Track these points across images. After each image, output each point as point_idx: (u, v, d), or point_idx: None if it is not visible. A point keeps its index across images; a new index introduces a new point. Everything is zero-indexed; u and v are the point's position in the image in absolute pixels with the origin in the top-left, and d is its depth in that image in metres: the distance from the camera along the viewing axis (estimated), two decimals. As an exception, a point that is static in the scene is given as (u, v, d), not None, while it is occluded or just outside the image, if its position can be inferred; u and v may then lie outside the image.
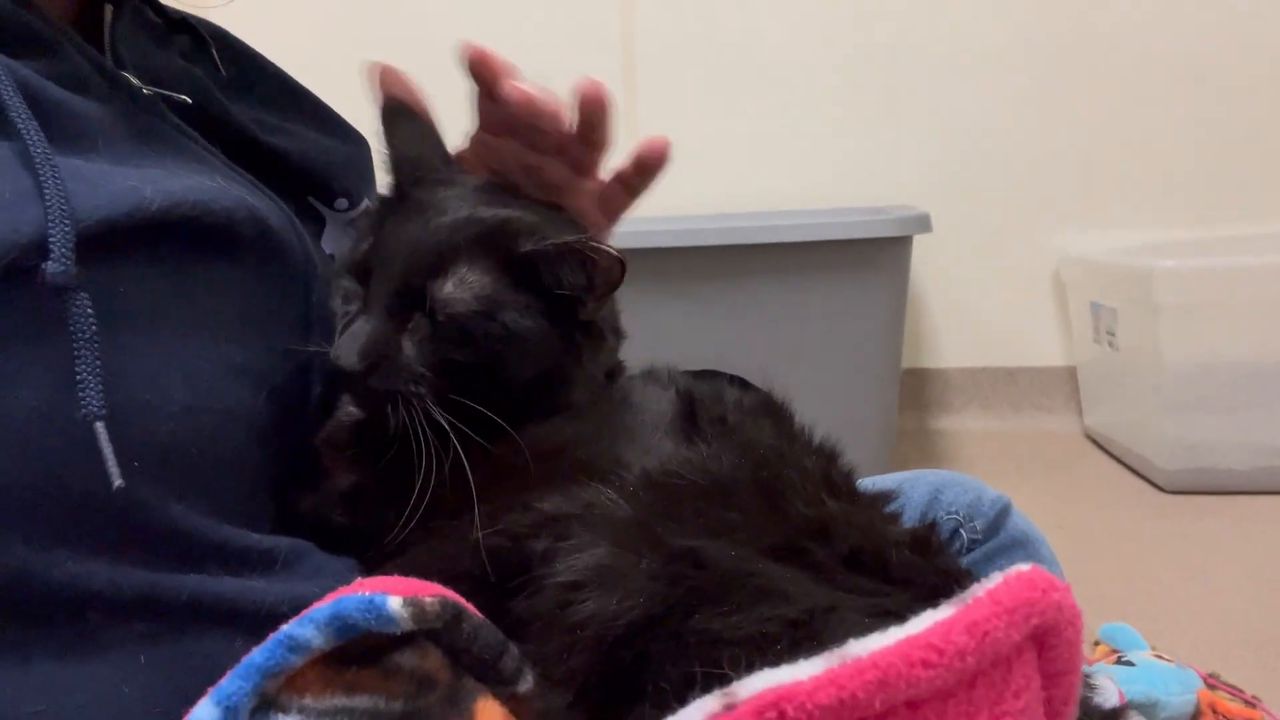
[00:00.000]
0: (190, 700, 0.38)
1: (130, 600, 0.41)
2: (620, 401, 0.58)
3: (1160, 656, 1.09)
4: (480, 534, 0.46)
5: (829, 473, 0.50)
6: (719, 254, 1.75)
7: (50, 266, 0.38)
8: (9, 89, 0.41)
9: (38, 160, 0.40)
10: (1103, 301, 2.01)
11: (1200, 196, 2.16)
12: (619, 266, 0.55)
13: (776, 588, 0.38)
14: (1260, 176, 2.12)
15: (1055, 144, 2.19)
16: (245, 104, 0.61)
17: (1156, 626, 1.27)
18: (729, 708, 0.24)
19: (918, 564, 0.42)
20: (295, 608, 0.40)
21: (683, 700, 0.28)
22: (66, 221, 0.39)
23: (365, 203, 0.67)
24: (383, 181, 0.61)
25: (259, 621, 0.45)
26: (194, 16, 0.65)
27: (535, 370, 0.56)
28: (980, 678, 0.25)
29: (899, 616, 0.36)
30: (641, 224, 2.17)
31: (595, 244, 0.53)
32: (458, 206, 0.56)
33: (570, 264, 0.54)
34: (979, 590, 0.25)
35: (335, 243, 0.66)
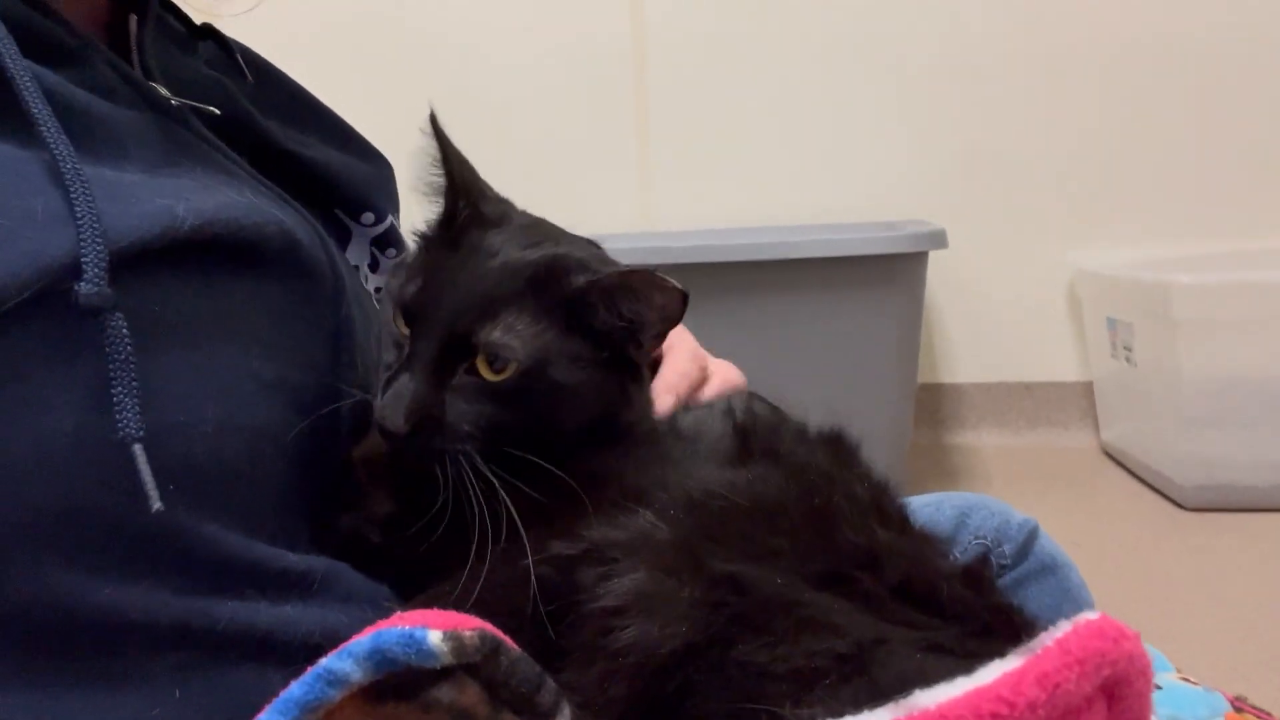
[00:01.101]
0: (227, 732, 0.37)
1: (166, 630, 0.41)
2: (669, 431, 0.58)
3: (1186, 679, 1.08)
4: (530, 560, 0.46)
5: (881, 502, 0.50)
6: (735, 270, 1.75)
7: (84, 288, 0.38)
8: (37, 100, 0.40)
9: (68, 176, 0.39)
10: (1119, 317, 2.00)
11: (1213, 211, 2.14)
12: (681, 300, 0.53)
13: (824, 619, 0.37)
14: (1274, 191, 2.11)
15: (1069, 159, 2.19)
16: (268, 117, 0.61)
17: (1178, 646, 1.25)
18: (791, 761, 0.24)
19: (969, 599, 0.41)
20: (329, 638, 0.40)
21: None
22: (99, 242, 0.39)
23: (390, 220, 0.67)
24: (429, 210, 0.58)
25: (292, 652, 0.45)
26: (219, 32, 0.65)
27: (585, 419, 0.54)
28: (1051, 730, 0.24)
29: (950, 653, 0.35)
30: (655, 239, 2.17)
31: (656, 275, 0.52)
32: (506, 249, 0.54)
33: (628, 298, 0.52)
34: (1048, 639, 0.25)
35: (359, 256, 0.65)
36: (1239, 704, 1.08)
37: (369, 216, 0.65)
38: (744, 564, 0.42)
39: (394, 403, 0.50)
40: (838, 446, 0.56)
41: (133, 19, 0.56)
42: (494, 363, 0.51)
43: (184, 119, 0.52)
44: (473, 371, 0.51)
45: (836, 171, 2.25)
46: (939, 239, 1.79)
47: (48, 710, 0.37)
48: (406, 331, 0.53)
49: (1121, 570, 1.55)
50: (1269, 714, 1.09)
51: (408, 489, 0.53)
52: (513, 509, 0.48)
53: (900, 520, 0.50)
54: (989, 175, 2.22)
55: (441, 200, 0.57)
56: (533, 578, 0.45)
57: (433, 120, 0.55)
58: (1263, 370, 1.76)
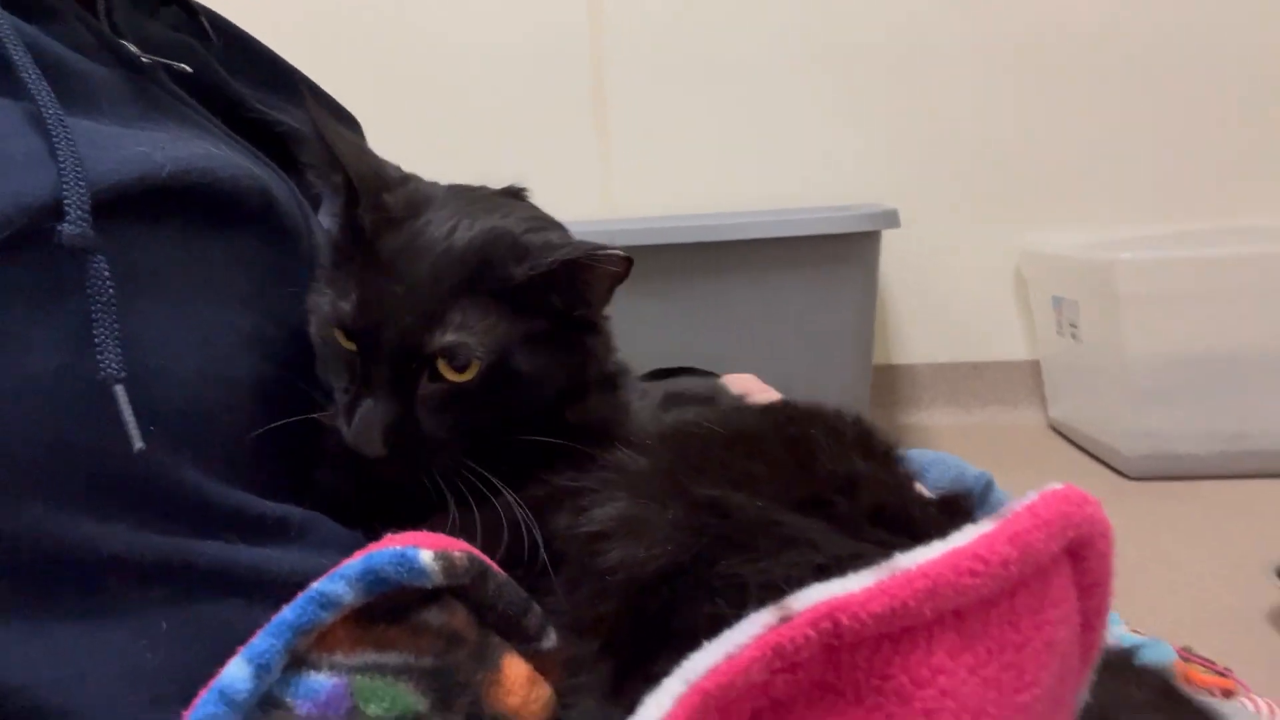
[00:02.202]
0: (211, 666, 0.38)
1: (150, 565, 0.41)
2: (626, 372, 0.59)
3: (1135, 631, 1.12)
4: (513, 500, 0.47)
5: (867, 439, 0.51)
6: (692, 251, 1.77)
7: (66, 229, 0.38)
8: (19, 49, 0.40)
9: (50, 121, 0.39)
10: (1064, 295, 2.05)
11: (1156, 194, 2.21)
12: (625, 265, 0.52)
13: (802, 536, 0.39)
14: (1215, 174, 2.19)
15: (1015, 145, 2.24)
16: (238, 80, 0.61)
17: (1126, 604, 1.30)
18: (784, 620, 0.25)
19: (944, 523, 0.43)
20: (310, 577, 0.40)
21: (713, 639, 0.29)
22: (81, 183, 0.39)
23: None
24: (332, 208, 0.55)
25: (274, 591, 0.45)
26: None
27: (554, 391, 0.54)
28: (1021, 588, 0.26)
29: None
30: (615, 224, 2.19)
31: (597, 253, 0.51)
32: (434, 240, 0.51)
33: (571, 281, 0.52)
34: (1018, 506, 0.27)
35: (330, 218, 0.66)
36: (1185, 654, 1.12)
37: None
38: (724, 488, 0.43)
39: (365, 429, 0.49)
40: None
41: None
42: (454, 363, 0.50)
43: (156, 77, 0.52)
44: (436, 378, 0.50)
45: (792, 157, 2.28)
46: (891, 219, 1.82)
47: (40, 640, 0.37)
48: (353, 347, 0.50)
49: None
50: (1213, 662, 1.13)
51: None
52: (504, 489, 0.49)
53: (885, 455, 0.51)
54: (938, 161, 2.26)
55: (343, 200, 0.53)
56: (522, 513, 0.46)
57: (313, 120, 0.51)
58: (1204, 344, 1.82)
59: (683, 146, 2.30)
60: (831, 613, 0.25)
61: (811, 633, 0.25)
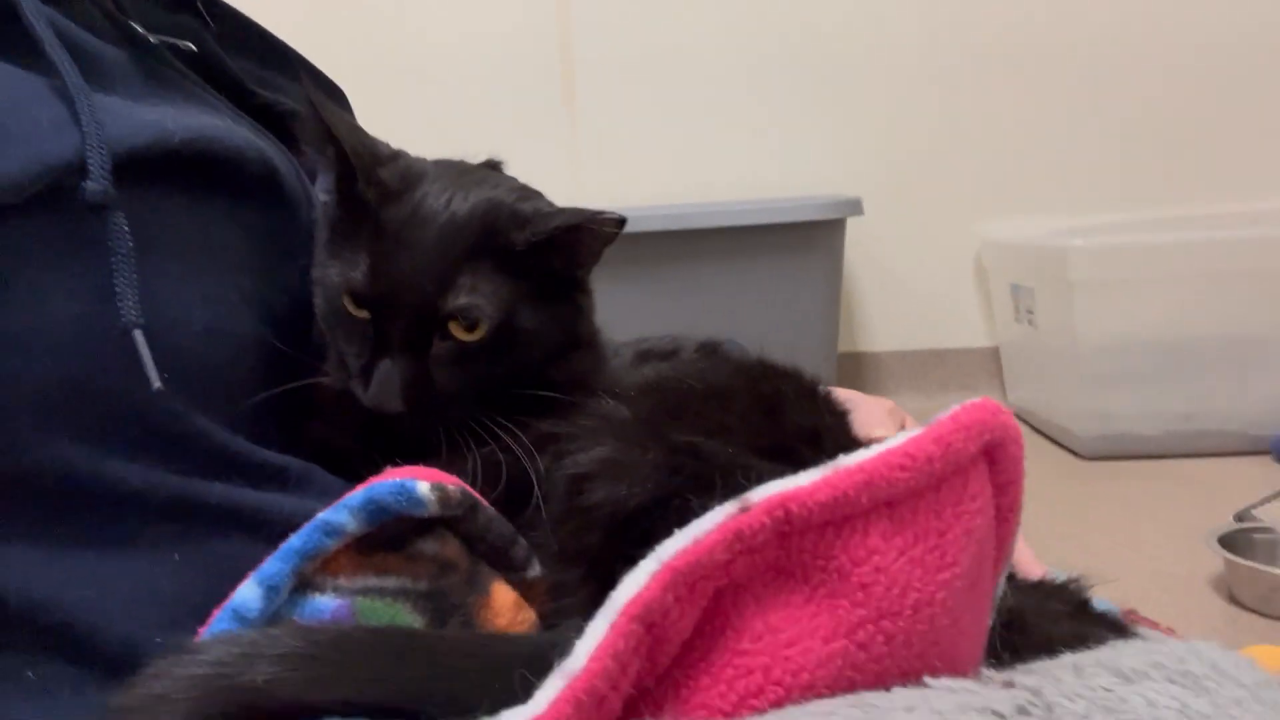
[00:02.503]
0: (219, 596, 0.41)
1: (164, 501, 0.44)
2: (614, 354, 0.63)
3: (1083, 595, 1.18)
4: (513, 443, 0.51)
5: (827, 398, 0.56)
6: (660, 239, 1.81)
7: (90, 185, 0.41)
8: (45, 27, 0.44)
9: (73, 90, 0.43)
10: (1022, 282, 2.12)
11: (1111, 184, 2.29)
12: (617, 225, 0.56)
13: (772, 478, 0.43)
14: (1165, 164, 2.27)
15: (975, 135, 2.31)
16: (236, 59, 0.64)
17: (1082, 574, 1.37)
18: (744, 509, 0.29)
19: None
20: (309, 519, 0.44)
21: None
22: (102, 146, 0.42)
23: None
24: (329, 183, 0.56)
25: (275, 531, 0.48)
26: None
27: (551, 348, 0.58)
28: (944, 482, 0.30)
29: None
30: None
31: (595, 218, 0.54)
32: (437, 209, 0.54)
33: (570, 244, 0.55)
34: (942, 415, 0.31)
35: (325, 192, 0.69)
36: (1131, 616, 1.18)
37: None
38: (700, 436, 0.47)
39: (385, 387, 0.52)
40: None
41: None
42: (466, 323, 0.53)
43: (163, 56, 0.55)
44: (448, 337, 0.53)
45: (758, 148, 2.33)
46: (855, 206, 1.88)
47: (68, 562, 0.41)
48: (365, 315, 0.53)
49: (1030, 514, 1.62)
50: (1157, 623, 1.19)
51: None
52: (504, 435, 0.53)
53: (842, 413, 0.56)
54: (901, 152, 2.32)
55: (338, 175, 0.56)
56: (524, 453, 0.50)
57: (308, 98, 0.54)
58: (1153, 328, 1.89)
59: (651, 137, 2.34)
60: (784, 502, 0.29)
61: (766, 519, 0.29)
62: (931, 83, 2.29)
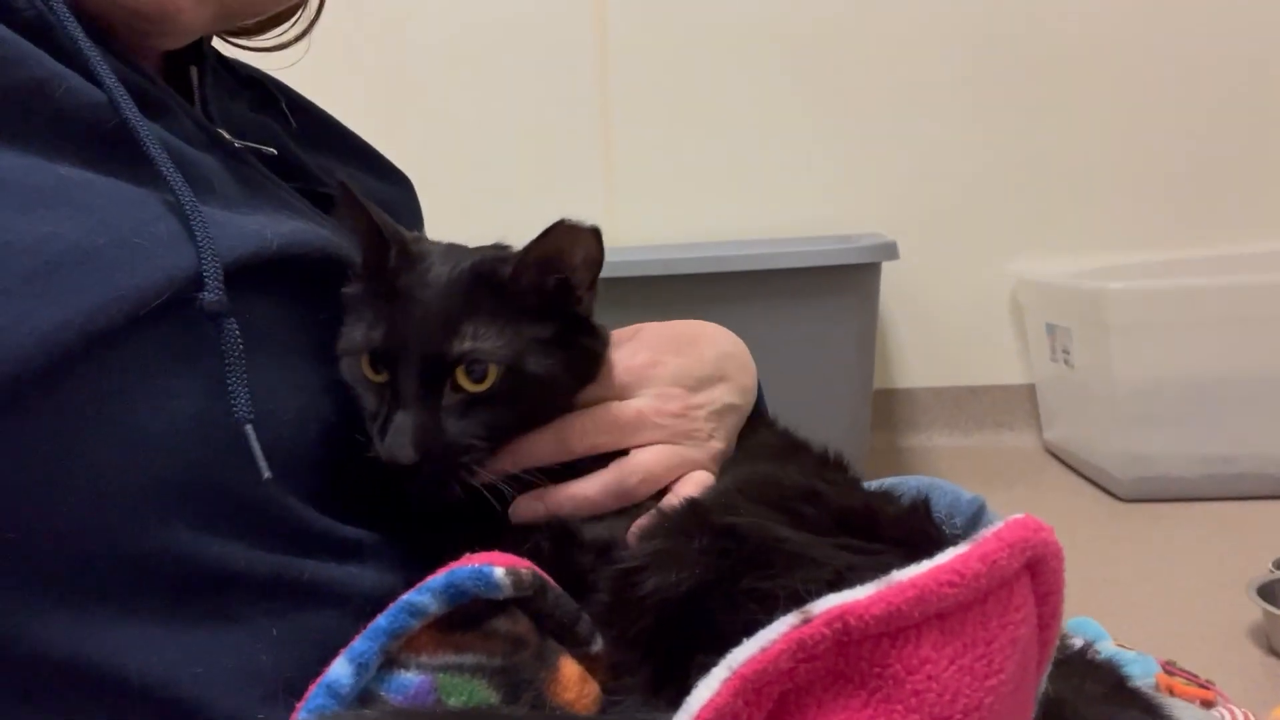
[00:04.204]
0: (311, 668, 0.45)
1: (262, 579, 0.48)
2: None
3: (1122, 646, 1.19)
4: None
5: (828, 470, 0.60)
6: (698, 282, 1.84)
7: (207, 296, 0.46)
8: (158, 147, 0.48)
9: (187, 206, 0.47)
10: (1057, 322, 2.13)
11: (1146, 224, 2.29)
12: (594, 237, 0.57)
13: (805, 554, 0.46)
14: (1203, 204, 2.27)
15: (1010, 177, 2.33)
16: (312, 153, 0.69)
17: (1116, 621, 1.37)
18: (805, 620, 0.32)
19: (906, 524, 0.50)
20: (387, 594, 0.48)
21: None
22: (216, 259, 0.47)
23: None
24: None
25: (359, 604, 0.52)
26: (260, 72, 0.72)
27: (567, 392, 0.60)
28: (990, 595, 0.33)
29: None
30: (622, 254, 2.26)
31: (563, 223, 0.55)
32: (439, 273, 0.58)
33: (551, 257, 0.57)
34: (987, 532, 0.34)
35: None
36: (1169, 667, 1.19)
37: None
38: (733, 517, 0.51)
39: (398, 438, 0.54)
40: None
41: (193, 70, 0.63)
42: (473, 373, 0.55)
43: (247, 160, 0.60)
44: (458, 388, 0.55)
45: (793, 190, 2.37)
46: (890, 250, 1.90)
47: (179, 642, 0.44)
48: (382, 378, 0.56)
49: (1067, 555, 1.66)
50: (1195, 675, 1.20)
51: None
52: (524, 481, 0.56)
53: (841, 467, 0.60)
54: (935, 192, 2.34)
55: (370, 254, 0.60)
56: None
57: (346, 191, 0.58)
58: (1191, 369, 1.89)
59: (687, 178, 2.38)
60: (843, 615, 0.32)
61: (827, 631, 0.32)
62: (965, 121, 2.32)
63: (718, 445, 0.63)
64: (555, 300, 0.59)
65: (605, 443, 0.59)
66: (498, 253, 0.61)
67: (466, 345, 0.55)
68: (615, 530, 0.57)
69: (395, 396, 0.55)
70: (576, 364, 0.60)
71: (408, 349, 0.55)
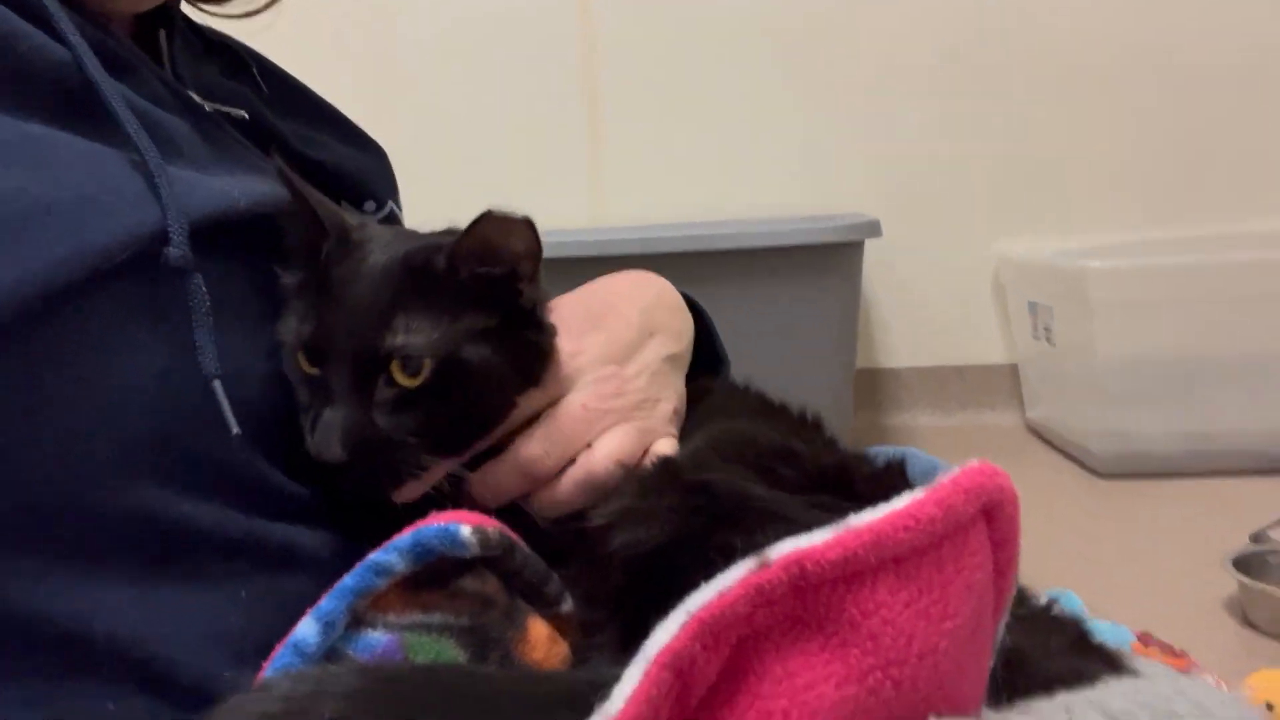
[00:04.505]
0: (281, 630, 0.45)
1: (232, 540, 0.48)
2: None
3: (1098, 617, 1.20)
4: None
5: (802, 418, 0.60)
6: (680, 261, 1.84)
7: (172, 252, 0.46)
8: (124, 107, 0.48)
9: (152, 166, 0.47)
10: (1040, 301, 2.14)
11: (1128, 203, 2.30)
12: (528, 228, 0.54)
13: (777, 511, 0.47)
14: (1183, 183, 2.28)
15: (992, 155, 2.33)
16: (283, 119, 0.68)
17: (1093, 594, 1.38)
18: (763, 566, 0.33)
19: (881, 482, 0.51)
20: (354, 558, 0.47)
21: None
22: (181, 216, 0.46)
23: (390, 206, 0.74)
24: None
25: (326, 568, 0.52)
26: (231, 38, 0.72)
27: (510, 385, 0.57)
28: (946, 540, 0.33)
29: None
30: (606, 233, 2.26)
31: (493, 214, 0.53)
32: (373, 263, 0.55)
33: (486, 248, 0.54)
34: (944, 478, 0.34)
35: None
36: (1145, 638, 1.20)
37: (370, 205, 0.73)
38: (708, 474, 0.51)
39: (326, 434, 0.52)
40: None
41: (161, 33, 0.63)
42: (408, 366, 0.53)
43: (217, 123, 0.59)
44: (391, 383, 0.53)
45: (777, 169, 2.37)
46: (874, 229, 1.91)
47: (150, 601, 0.44)
48: (314, 371, 0.54)
49: (1046, 531, 1.68)
50: (1170, 645, 1.21)
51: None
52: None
53: (826, 439, 0.60)
54: (918, 172, 2.35)
55: (306, 242, 0.57)
56: None
57: (283, 174, 0.56)
58: (1171, 348, 1.91)
59: (671, 158, 2.38)
60: (799, 560, 0.32)
61: (784, 575, 0.32)
62: (948, 101, 2.32)
63: (667, 406, 0.62)
64: (496, 293, 0.56)
65: (567, 451, 0.57)
66: (438, 239, 0.58)
67: (399, 340, 0.53)
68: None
69: (326, 392, 0.53)
70: (519, 358, 0.57)
71: (339, 343, 0.53)
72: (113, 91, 0.48)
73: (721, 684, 0.33)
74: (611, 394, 0.59)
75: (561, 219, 2.30)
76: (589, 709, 0.32)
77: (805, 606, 0.33)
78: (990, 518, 0.35)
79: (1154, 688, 0.37)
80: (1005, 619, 0.37)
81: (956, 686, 0.34)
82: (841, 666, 0.32)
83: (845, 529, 0.33)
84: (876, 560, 0.33)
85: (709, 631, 0.32)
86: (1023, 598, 0.49)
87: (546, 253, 0.57)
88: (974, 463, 0.35)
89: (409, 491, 0.55)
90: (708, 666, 0.32)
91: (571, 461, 0.57)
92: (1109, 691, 0.35)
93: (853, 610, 0.33)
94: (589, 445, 0.58)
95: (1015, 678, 0.40)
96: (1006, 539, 0.35)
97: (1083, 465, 2.01)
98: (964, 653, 0.34)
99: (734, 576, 0.33)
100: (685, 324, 0.69)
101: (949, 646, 0.33)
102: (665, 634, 0.32)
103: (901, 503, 0.34)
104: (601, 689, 0.32)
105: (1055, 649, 0.45)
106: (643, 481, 0.52)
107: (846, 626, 0.33)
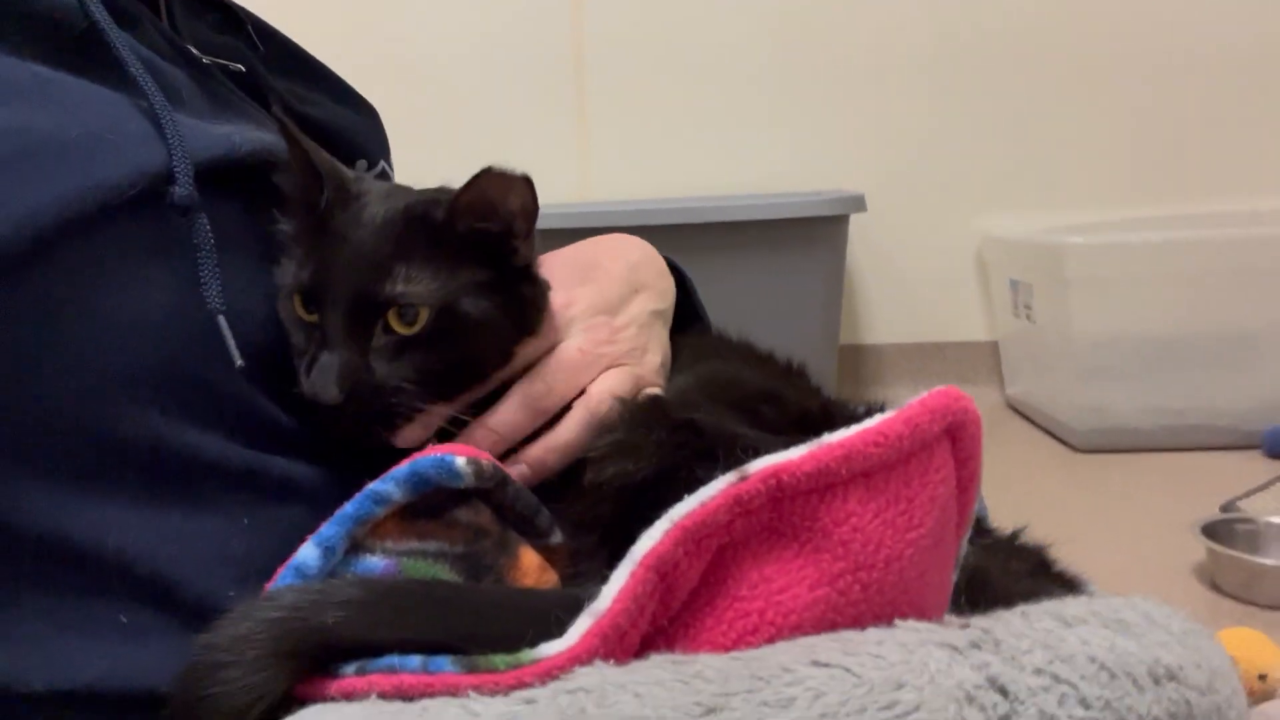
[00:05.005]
0: (282, 557, 0.47)
1: (235, 471, 0.50)
2: None
3: (1069, 579, 1.23)
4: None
5: (795, 376, 0.62)
6: (665, 233, 1.86)
7: (177, 191, 0.47)
8: (129, 53, 0.49)
9: (158, 109, 0.48)
10: (1020, 278, 2.17)
11: (1110, 181, 2.34)
12: (526, 185, 0.56)
13: (760, 448, 0.49)
14: (1164, 162, 2.31)
15: (977, 133, 2.35)
16: (278, 77, 0.70)
17: (1072, 562, 1.42)
18: (743, 478, 0.35)
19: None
20: (348, 493, 0.49)
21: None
22: (186, 157, 0.48)
23: (381, 164, 0.76)
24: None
25: (325, 501, 0.54)
26: None
27: (505, 338, 0.58)
28: (913, 456, 0.36)
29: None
30: (592, 206, 2.28)
31: (494, 170, 0.54)
32: (374, 214, 0.56)
33: (485, 203, 0.55)
34: (912, 400, 0.37)
35: None
36: (1114, 599, 1.24)
37: (362, 164, 0.74)
38: (695, 412, 0.53)
39: (322, 376, 0.52)
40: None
41: None
42: (405, 315, 0.54)
43: (215, 76, 0.61)
44: (389, 330, 0.54)
45: (765, 147, 2.38)
46: (858, 203, 1.93)
47: (157, 522, 0.46)
48: (311, 317, 0.55)
49: (1024, 503, 1.70)
50: (1139, 607, 1.24)
51: None
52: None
53: (810, 386, 0.62)
54: (903, 150, 2.37)
55: (305, 191, 0.58)
56: None
57: (283, 126, 0.56)
58: (1147, 324, 1.94)
59: (659, 133, 2.39)
60: (776, 473, 0.35)
61: (762, 486, 0.35)
62: (933, 80, 2.34)
63: (654, 358, 0.64)
64: (492, 248, 0.57)
65: (568, 390, 0.59)
66: (434, 194, 0.59)
67: (399, 288, 0.54)
68: None
69: (324, 336, 0.54)
70: (514, 311, 0.58)
71: (338, 289, 0.54)
72: (119, 37, 0.49)
73: (703, 587, 0.35)
74: (604, 340, 0.61)
75: (550, 192, 2.30)
76: (579, 610, 0.35)
77: (781, 516, 0.36)
78: (954, 437, 0.37)
79: (1107, 601, 0.39)
80: (968, 533, 0.39)
81: (921, 593, 0.36)
82: (814, 570, 0.35)
83: (819, 445, 0.36)
84: (848, 473, 0.35)
85: (691, 538, 0.35)
86: (988, 528, 0.52)
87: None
88: (940, 387, 0.37)
89: (410, 435, 0.57)
90: (690, 570, 0.35)
91: (568, 408, 0.59)
92: (1064, 602, 0.38)
93: (825, 519, 0.35)
94: (584, 392, 0.60)
95: (978, 595, 0.42)
96: (969, 457, 0.38)
97: (1061, 440, 2.04)
98: (928, 561, 0.36)
99: (715, 488, 0.35)
100: (669, 284, 0.71)
101: (914, 554, 0.36)
102: (650, 539, 0.35)
103: (872, 421, 0.36)
104: (591, 595, 0.35)
105: (1017, 571, 0.48)
106: (633, 415, 0.54)
107: (819, 534, 0.35)
